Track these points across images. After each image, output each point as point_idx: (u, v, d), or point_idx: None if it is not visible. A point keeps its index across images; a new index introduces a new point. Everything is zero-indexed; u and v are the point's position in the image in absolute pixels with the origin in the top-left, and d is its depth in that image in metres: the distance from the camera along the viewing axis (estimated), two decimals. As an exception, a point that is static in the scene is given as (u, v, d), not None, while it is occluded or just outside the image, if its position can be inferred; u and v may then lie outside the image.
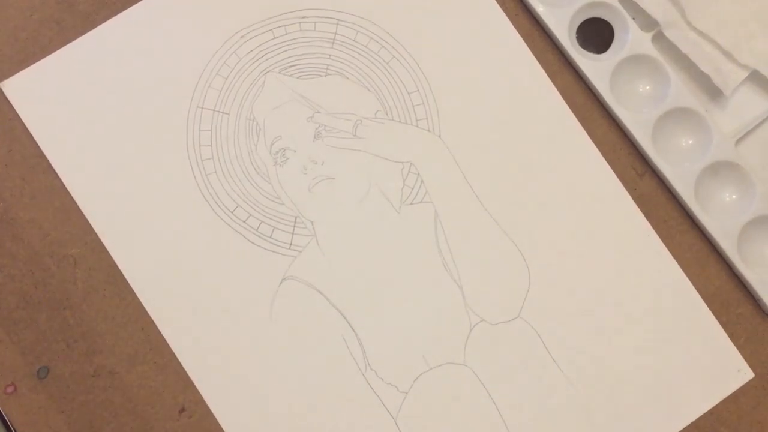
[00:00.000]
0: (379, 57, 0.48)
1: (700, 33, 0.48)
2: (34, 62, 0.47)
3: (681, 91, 0.47)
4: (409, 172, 0.47)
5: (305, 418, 0.44)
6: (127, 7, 0.48)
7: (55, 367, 0.44)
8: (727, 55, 0.48)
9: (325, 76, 0.48)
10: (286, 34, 0.48)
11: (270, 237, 0.46)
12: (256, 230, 0.46)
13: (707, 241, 0.47)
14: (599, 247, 0.47)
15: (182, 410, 0.44)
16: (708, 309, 0.46)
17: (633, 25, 0.48)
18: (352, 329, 0.45)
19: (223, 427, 0.44)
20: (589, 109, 0.48)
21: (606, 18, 0.49)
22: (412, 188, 0.47)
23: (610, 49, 0.49)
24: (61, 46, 0.47)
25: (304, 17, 0.48)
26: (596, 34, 0.49)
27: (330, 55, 0.48)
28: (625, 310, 0.46)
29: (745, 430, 0.46)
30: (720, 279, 0.47)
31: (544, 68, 0.48)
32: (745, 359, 0.46)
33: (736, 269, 0.47)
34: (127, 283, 0.45)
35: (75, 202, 0.46)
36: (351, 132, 0.47)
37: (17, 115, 0.46)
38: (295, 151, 0.46)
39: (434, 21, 0.48)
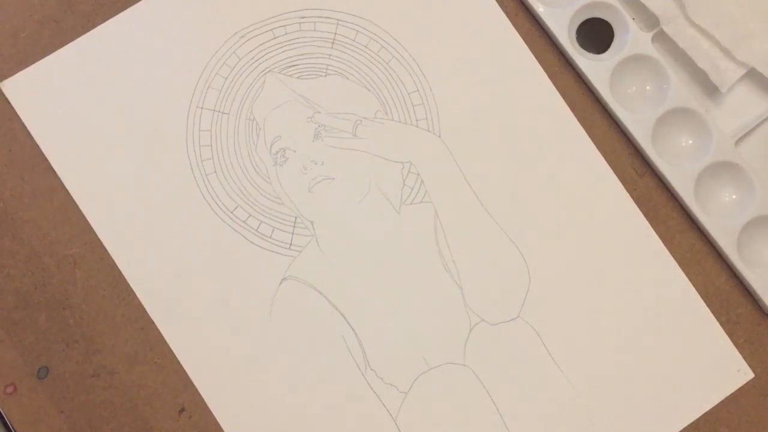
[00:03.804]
0: (379, 57, 0.48)
1: (699, 29, 0.48)
2: (34, 62, 0.47)
3: (681, 92, 0.47)
4: (409, 172, 0.47)
5: (305, 418, 0.44)
6: (127, 8, 0.48)
7: (54, 367, 0.44)
8: (725, 52, 0.48)
9: (325, 76, 0.48)
10: (286, 34, 0.48)
11: (270, 237, 0.46)
12: (256, 230, 0.46)
13: (707, 241, 0.47)
14: (599, 247, 0.47)
15: (182, 410, 0.44)
16: (708, 309, 0.46)
17: (633, 25, 0.48)
18: (352, 329, 0.45)
19: (223, 427, 0.44)
20: (589, 110, 0.48)
21: (606, 18, 0.49)
22: (412, 188, 0.47)
23: (610, 50, 0.49)
24: (61, 46, 0.47)
25: (303, 17, 0.48)
26: (596, 34, 0.49)
27: (330, 55, 0.48)
28: (625, 310, 0.46)
29: (744, 431, 0.46)
30: (720, 279, 0.47)
31: (544, 68, 0.48)
32: (745, 359, 0.46)
33: (735, 269, 0.46)
34: (127, 283, 0.45)
35: (74, 202, 0.46)
36: (351, 132, 0.47)
37: (17, 115, 0.46)
38: (294, 151, 0.46)
39: (434, 21, 0.48)
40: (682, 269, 0.47)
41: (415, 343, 0.45)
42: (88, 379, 0.44)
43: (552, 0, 0.48)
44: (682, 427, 0.45)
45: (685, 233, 0.47)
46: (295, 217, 0.46)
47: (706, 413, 0.45)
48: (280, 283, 0.45)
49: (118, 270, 0.45)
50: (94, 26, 0.47)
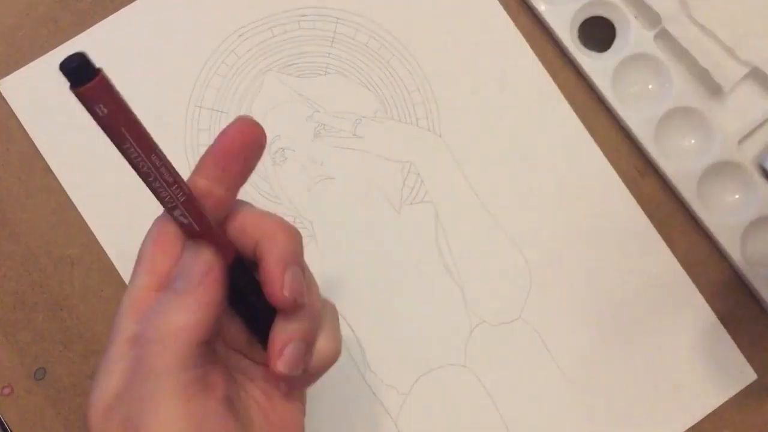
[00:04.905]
0: (379, 55, 0.48)
1: (702, 27, 0.48)
2: (31, 61, 0.46)
3: (683, 91, 0.47)
4: (409, 172, 0.47)
5: (304, 420, 0.44)
6: (124, 6, 0.47)
7: (51, 368, 0.44)
8: (728, 50, 0.48)
9: (325, 74, 0.47)
10: (285, 32, 0.48)
11: (269, 237, 0.45)
12: (255, 230, 0.45)
13: (710, 241, 0.47)
14: (601, 247, 0.46)
15: (180, 412, 0.44)
16: (711, 309, 0.46)
17: (635, 24, 0.48)
18: (352, 330, 0.45)
19: (222, 429, 0.44)
20: (591, 108, 0.48)
21: (608, 16, 0.49)
22: (412, 188, 0.46)
23: (612, 48, 0.49)
24: (58, 45, 0.46)
25: (303, 15, 0.48)
26: (598, 32, 0.49)
27: (329, 54, 0.48)
28: (627, 310, 0.46)
29: (748, 432, 0.46)
30: (723, 279, 0.47)
31: (545, 67, 0.48)
32: (748, 360, 0.46)
33: (739, 269, 0.46)
34: (125, 283, 0.45)
35: (72, 202, 0.45)
36: (350, 131, 0.47)
37: (14, 114, 0.46)
38: (294, 151, 0.46)
39: (435, 19, 0.48)
40: (685, 269, 0.46)
41: (416, 345, 0.45)
42: (86, 381, 0.44)
43: (553, -2, 0.48)
44: (684, 429, 0.45)
45: (688, 233, 0.47)
46: (295, 217, 0.46)
47: (709, 414, 0.45)
48: (280, 283, 0.45)
49: (116, 270, 0.45)
50: (91, 25, 0.47)
